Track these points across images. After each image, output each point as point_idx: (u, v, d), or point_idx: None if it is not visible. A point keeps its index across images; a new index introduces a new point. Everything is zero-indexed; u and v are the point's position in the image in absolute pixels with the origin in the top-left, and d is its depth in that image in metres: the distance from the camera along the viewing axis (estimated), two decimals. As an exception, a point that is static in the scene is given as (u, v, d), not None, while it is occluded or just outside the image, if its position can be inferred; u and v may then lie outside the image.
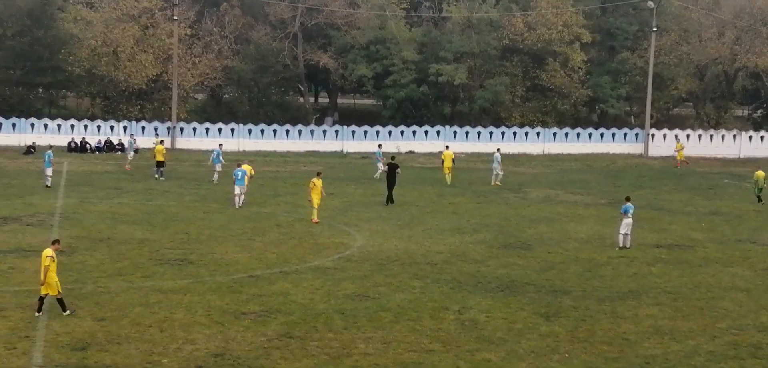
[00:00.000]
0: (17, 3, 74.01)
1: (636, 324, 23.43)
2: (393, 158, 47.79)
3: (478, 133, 77.44)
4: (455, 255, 31.72)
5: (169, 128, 72.57)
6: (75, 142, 68.88)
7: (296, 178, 53.63)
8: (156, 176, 51.82)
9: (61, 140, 68.85)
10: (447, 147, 59.88)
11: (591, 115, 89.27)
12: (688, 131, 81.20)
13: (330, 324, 22.56)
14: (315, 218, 37.86)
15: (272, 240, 33.65)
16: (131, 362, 19.47)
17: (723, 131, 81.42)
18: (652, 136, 79.19)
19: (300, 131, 75.36)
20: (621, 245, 33.49)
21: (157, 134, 69.62)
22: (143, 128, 71.47)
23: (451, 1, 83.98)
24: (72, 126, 71.58)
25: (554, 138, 78.36)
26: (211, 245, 32.44)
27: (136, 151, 61.32)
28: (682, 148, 71.92)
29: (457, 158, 57.58)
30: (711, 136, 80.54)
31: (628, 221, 33.55)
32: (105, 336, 21.11)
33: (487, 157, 71.89)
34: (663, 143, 78.62)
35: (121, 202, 42.75)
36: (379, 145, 59.44)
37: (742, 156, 76.64)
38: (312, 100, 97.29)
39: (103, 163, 61.16)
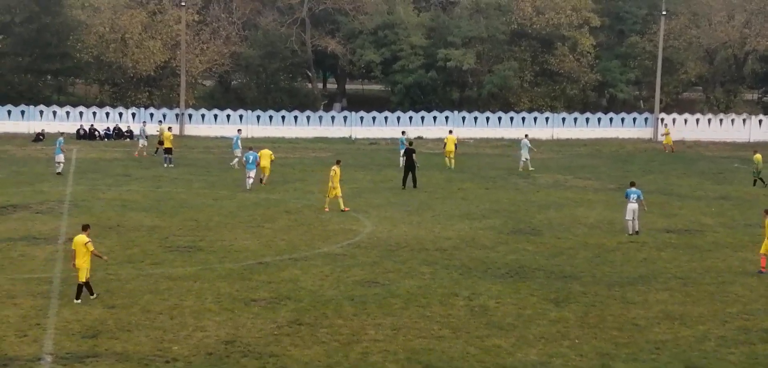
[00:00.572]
0: (25, -10, 74.15)
1: (646, 310, 23.38)
2: (411, 143, 48.15)
3: (487, 119, 77.32)
4: (465, 241, 31.69)
5: (177, 115, 72.62)
6: (84, 129, 68.99)
7: (305, 165, 53.62)
8: (165, 164, 51.85)
9: (70, 127, 68.99)
10: (450, 131, 60.12)
11: (600, 99, 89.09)
12: (698, 115, 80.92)
13: (340, 311, 22.56)
14: (343, 206, 37.29)
15: (281, 227, 33.66)
16: (142, 349, 19.50)
17: (733, 115, 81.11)
18: (662, 120, 78.98)
19: (308, 117, 75.33)
20: (630, 231, 33.37)
21: (163, 121, 69.50)
22: (152, 115, 71.51)
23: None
24: (81, 113, 71.71)
25: (563, 123, 78.20)
26: (220, 232, 32.47)
27: (146, 137, 60.37)
28: (668, 133, 71.38)
29: (465, 144, 57.64)
30: (721, 120, 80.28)
31: (632, 206, 33.36)
32: (115, 323, 21.15)
33: (496, 143, 72.07)
34: (673, 127, 78.36)
35: (131, 189, 42.82)
36: (403, 132, 58.94)
37: (751, 140, 76.28)
38: (320, 85, 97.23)
39: (112, 149, 61.24)
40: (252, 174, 43.28)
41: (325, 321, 21.76)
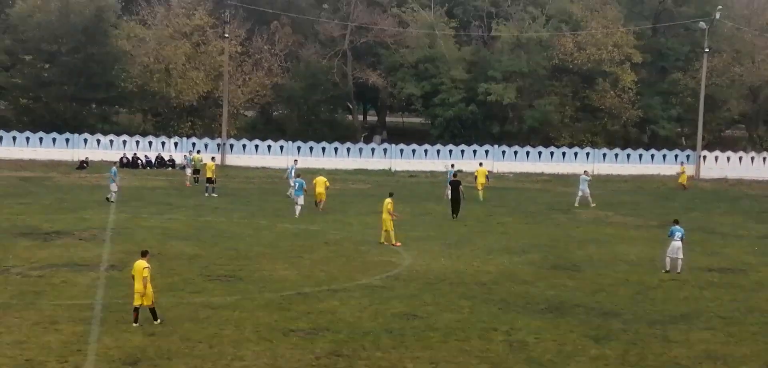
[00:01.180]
0: (72, 20, 75.24)
1: (688, 349, 23.10)
2: (455, 175, 48.82)
3: (527, 153, 77.17)
4: (504, 276, 31.55)
5: (219, 145, 73.20)
6: (127, 158, 69.77)
7: (344, 196, 53.75)
8: (206, 193, 52.18)
9: (114, 155, 69.90)
10: (481, 163, 60.51)
11: (641, 136, 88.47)
12: (741, 153, 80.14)
13: (378, 343, 22.53)
14: (394, 241, 37.13)
15: (321, 258, 33.72)
16: (181, 377, 19.59)
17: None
18: (704, 158, 78.29)
19: (348, 149, 75.62)
20: (668, 268, 32.98)
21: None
22: (194, 144, 72.13)
23: (500, 21, 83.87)
24: (124, 141, 72.54)
25: (604, 159, 77.81)
26: (260, 262, 32.59)
27: (195, 170, 59.32)
28: (684, 171, 70.45)
29: (505, 178, 57.64)
30: (764, 158, 79.40)
31: (676, 244, 32.97)
32: (155, 351, 21.28)
33: (536, 177, 71.79)
34: (715, 165, 77.72)
35: (172, 218, 43.15)
36: (452, 165, 59.05)
37: (795, 179, 75.41)
38: (361, 117, 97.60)
39: (155, 178, 61.77)
40: (300, 201, 44.28)
41: (363, 353, 21.73)
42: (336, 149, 75.10)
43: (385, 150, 76.70)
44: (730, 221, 49.44)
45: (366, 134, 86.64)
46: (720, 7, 78.48)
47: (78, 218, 41.80)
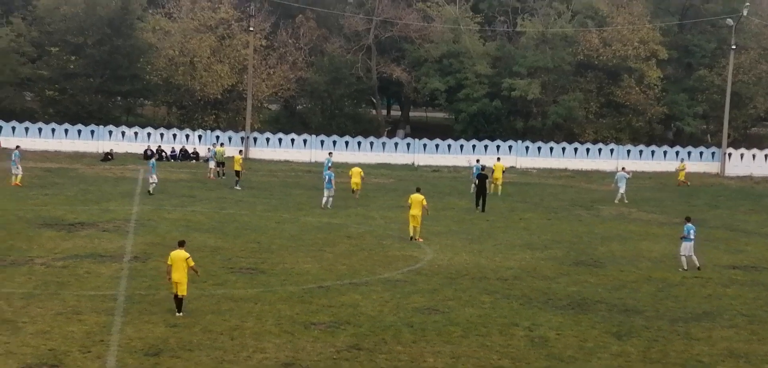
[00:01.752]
0: (98, 12, 75.57)
1: (710, 346, 23.00)
2: (483, 168, 50.27)
3: (551, 149, 76.92)
4: (526, 271, 31.51)
5: (242, 138, 73.43)
6: (151, 150, 70.06)
7: (367, 190, 53.78)
8: (236, 187, 52.23)
9: (138, 148, 70.23)
10: (498, 159, 60.57)
11: (666, 132, 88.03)
12: (766, 151, 79.53)
13: (399, 337, 22.57)
14: (418, 237, 36.91)
15: (342, 252, 33.79)
16: (202, 368, 19.71)
17: (802, 151, 79.66)
18: (729, 155, 77.79)
19: (372, 143, 75.64)
20: (685, 267, 32.69)
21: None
22: (217, 137, 72.37)
23: (525, 16, 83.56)
24: (148, 134, 72.83)
25: (628, 155, 77.41)
26: (282, 255, 32.70)
27: (218, 163, 59.33)
28: (684, 167, 69.78)
29: (528, 173, 57.63)
30: (790, 156, 78.85)
31: (687, 243, 32.69)
32: (177, 342, 21.41)
33: (560, 173, 71.56)
34: (740, 163, 77.17)
35: (195, 210, 43.35)
36: (477, 160, 59.13)
37: (822, 177, 74.76)
38: (384, 112, 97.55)
39: (178, 171, 62.06)
40: (327, 193, 45.73)
41: (383, 346, 21.77)
42: (359, 143, 75.13)
43: (408, 144, 76.66)
44: (754, 219, 49.14)
45: (389, 129, 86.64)
46: (747, 3, 77.93)
47: (102, 209, 42.07)
